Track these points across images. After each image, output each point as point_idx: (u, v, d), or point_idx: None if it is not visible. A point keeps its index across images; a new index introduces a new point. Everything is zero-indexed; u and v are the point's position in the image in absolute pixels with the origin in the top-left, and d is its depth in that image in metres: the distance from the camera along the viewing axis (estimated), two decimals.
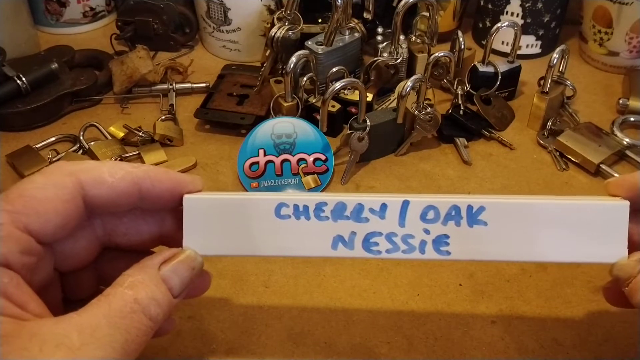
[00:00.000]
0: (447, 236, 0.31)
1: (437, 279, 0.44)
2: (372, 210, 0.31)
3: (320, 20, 0.62)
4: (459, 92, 0.59)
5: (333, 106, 0.56)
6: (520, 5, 0.66)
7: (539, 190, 0.52)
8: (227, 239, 0.32)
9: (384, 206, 0.31)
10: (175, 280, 0.29)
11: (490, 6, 0.68)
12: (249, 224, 0.31)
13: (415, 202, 0.31)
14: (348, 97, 0.57)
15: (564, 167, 0.54)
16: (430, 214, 0.31)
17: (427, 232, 0.31)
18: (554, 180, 0.53)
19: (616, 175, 0.52)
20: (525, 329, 0.40)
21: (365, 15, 0.60)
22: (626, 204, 0.31)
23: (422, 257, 0.31)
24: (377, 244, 0.31)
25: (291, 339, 0.40)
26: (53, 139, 0.57)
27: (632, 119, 0.58)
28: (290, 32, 0.58)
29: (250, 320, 0.41)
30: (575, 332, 0.40)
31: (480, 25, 0.70)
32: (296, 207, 0.31)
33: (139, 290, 0.27)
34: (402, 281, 0.43)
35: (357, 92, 0.53)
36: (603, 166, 0.52)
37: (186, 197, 0.31)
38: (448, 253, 0.31)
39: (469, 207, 0.31)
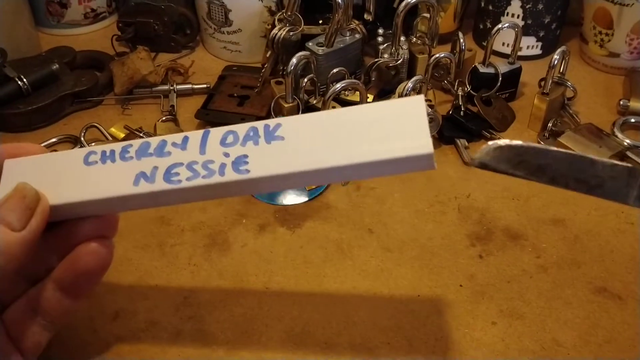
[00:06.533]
0: (246, 156, 0.31)
1: (437, 279, 0.44)
2: (174, 144, 0.32)
3: (320, 22, 0.62)
4: (460, 93, 0.59)
5: (334, 107, 0.56)
6: (521, 7, 0.66)
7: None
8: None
9: (185, 139, 0.32)
10: (10, 215, 0.30)
11: (490, 7, 0.68)
12: (61, 176, 0.33)
13: (215, 130, 0.32)
14: (349, 98, 0.57)
15: None
16: (230, 138, 0.32)
17: (226, 155, 0.31)
18: None
19: None
20: (525, 330, 0.40)
21: (365, 16, 0.60)
22: (420, 97, 0.31)
23: (222, 179, 0.31)
24: (177, 174, 0.31)
25: (291, 339, 0.40)
26: (54, 139, 0.57)
27: (632, 120, 0.58)
28: (291, 33, 0.58)
29: (251, 320, 0.41)
30: (576, 333, 0.40)
31: (481, 26, 0.70)
32: (103, 153, 0.33)
33: None
34: (403, 282, 0.43)
35: (357, 93, 0.53)
36: None
37: (7, 160, 0.33)
38: (247, 171, 0.31)
39: (266, 126, 0.31)
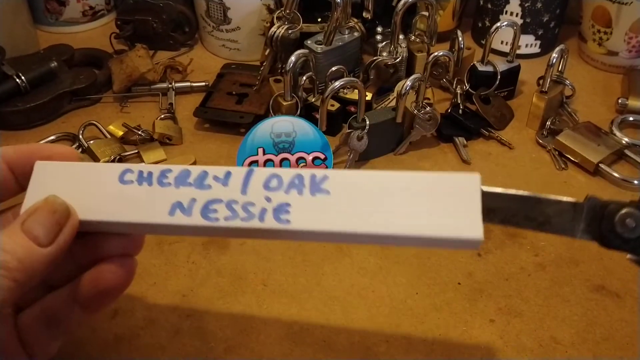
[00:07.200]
0: (288, 204, 0.30)
1: (435, 277, 0.44)
2: (216, 178, 0.31)
3: (319, 20, 0.62)
4: (458, 91, 0.59)
5: (332, 105, 0.56)
6: (520, 5, 0.66)
7: (538, 190, 0.52)
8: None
9: (228, 174, 0.31)
10: (38, 229, 0.29)
11: (489, 6, 0.68)
12: (94, 189, 0.32)
13: (259, 171, 0.31)
14: (347, 96, 0.57)
15: (563, 166, 0.54)
16: (274, 182, 0.31)
17: (268, 200, 0.30)
18: (553, 180, 0.53)
19: (615, 174, 0.52)
20: (523, 328, 0.40)
21: (364, 14, 0.60)
22: (477, 175, 0.29)
23: (261, 225, 0.30)
24: (216, 211, 0.30)
25: (290, 337, 0.40)
26: (52, 137, 0.57)
27: (631, 119, 0.58)
28: (289, 31, 0.58)
29: (249, 318, 0.41)
30: (574, 331, 0.40)
31: (480, 24, 0.70)
32: (140, 173, 0.31)
33: None
34: (401, 280, 0.44)
35: (356, 91, 0.53)
36: (602, 165, 0.52)
37: (38, 162, 0.32)
38: (288, 222, 0.29)
39: (313, 176, 0.30)
